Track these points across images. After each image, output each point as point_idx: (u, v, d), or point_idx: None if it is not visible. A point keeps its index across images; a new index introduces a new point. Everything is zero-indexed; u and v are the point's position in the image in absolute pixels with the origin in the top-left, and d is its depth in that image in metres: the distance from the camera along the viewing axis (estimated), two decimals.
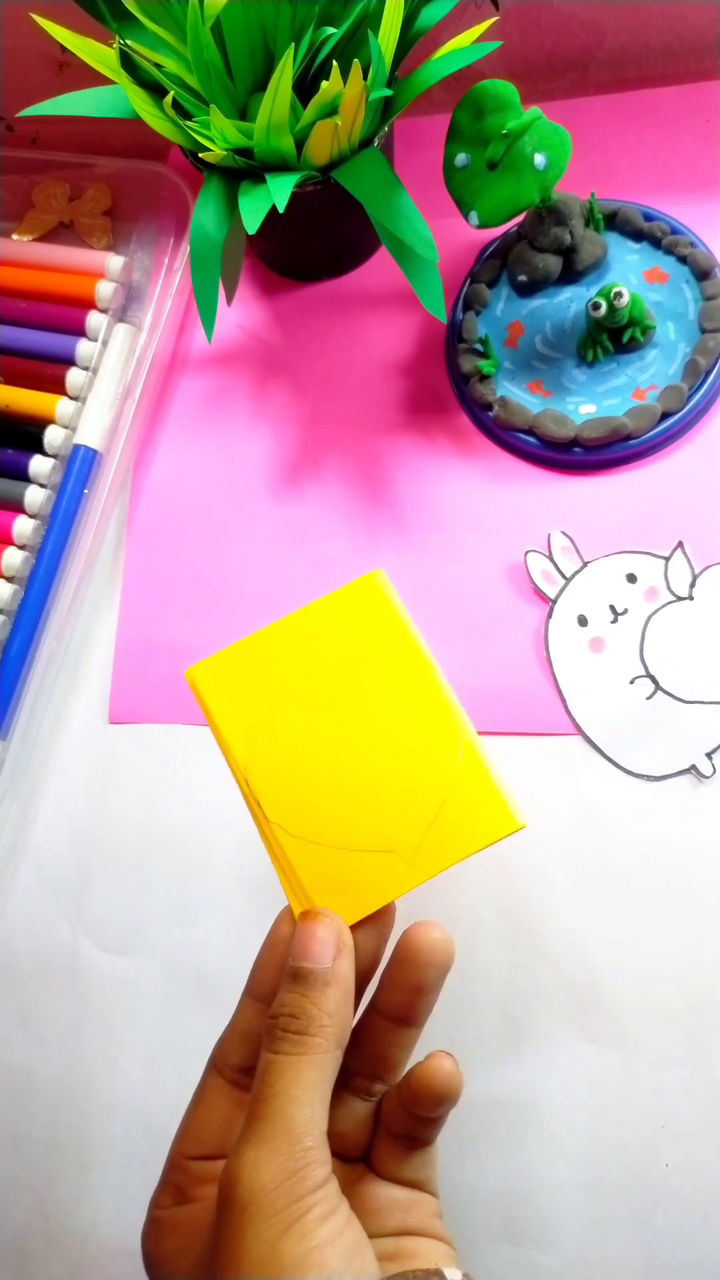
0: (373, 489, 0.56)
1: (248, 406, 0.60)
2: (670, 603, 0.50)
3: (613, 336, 0.53)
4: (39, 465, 0.59)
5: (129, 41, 0.48)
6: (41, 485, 0.59)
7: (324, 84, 0.45)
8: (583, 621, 0.51)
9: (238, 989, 0.50)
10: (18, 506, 0.59)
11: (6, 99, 0.65)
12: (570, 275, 0.54)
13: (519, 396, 0.54)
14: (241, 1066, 0.37)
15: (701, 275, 0.53)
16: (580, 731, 0.50)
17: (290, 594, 0.55)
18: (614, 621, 0.51)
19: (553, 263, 0.53)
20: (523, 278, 0.54)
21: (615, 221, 0.55)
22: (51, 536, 0.58)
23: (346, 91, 0.45)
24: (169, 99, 0.48)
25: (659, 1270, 0.43)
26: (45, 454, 0.60)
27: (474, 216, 0.49)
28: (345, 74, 0.44)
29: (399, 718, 0.38)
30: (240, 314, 0.61)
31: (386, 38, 0.46)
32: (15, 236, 0.66)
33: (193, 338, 0.62)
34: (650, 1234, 0.43)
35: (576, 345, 0.54)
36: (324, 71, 0.48)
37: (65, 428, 0.60)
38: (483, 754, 0.37)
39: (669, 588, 0.50)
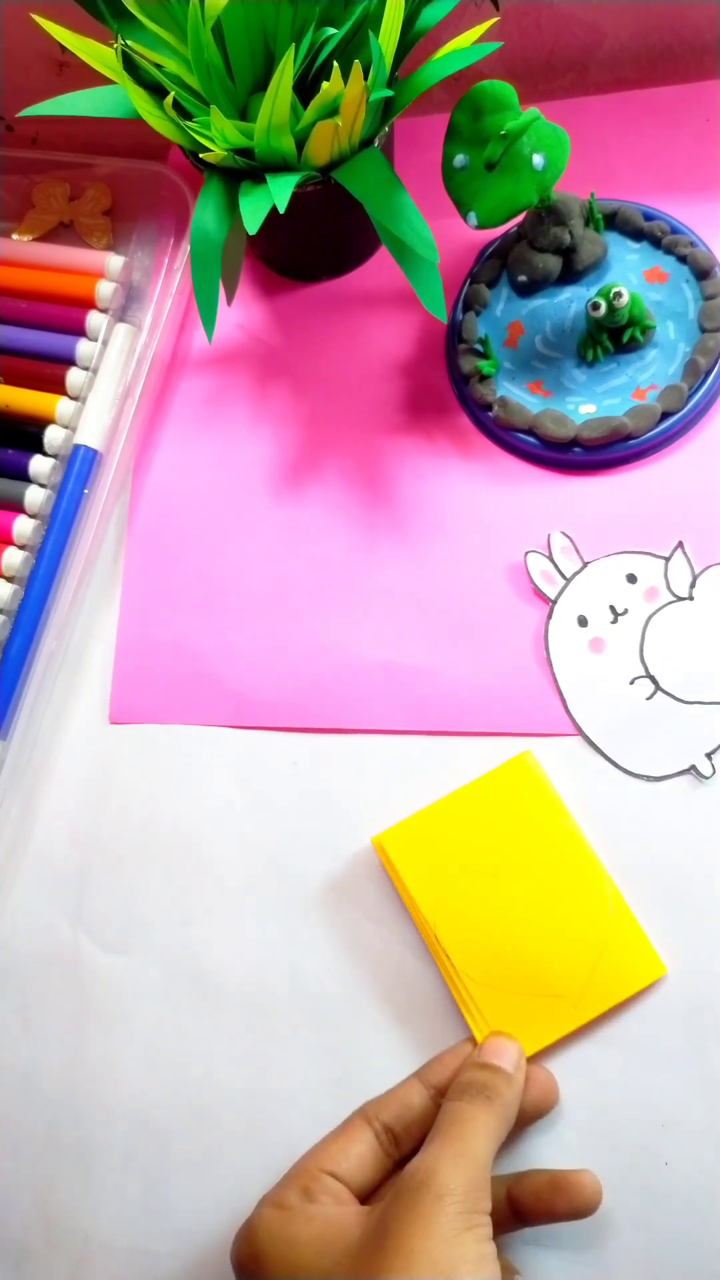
0: (373, 489, 0.56)
1: (248, 406, 0.60)
2: (670, 603, 0.50)
3: (613, 336, 0.53)
4: (39, 465, 0.59)
5: (129, 42, 0.48)
6: (41, 485, 0.59)
7: (324, 84, 0.45)
8: (583, 622, 0.51)
9: (238, 988, 0.50)
10: (18, 506, 0.59)
11: (6, 99, 0.65)
12: (570, 275, 0.55)
13: (519, 396, 0.54)
14: (387, 1126, 0.43)
15: (701, 275, 0.53)
16: (580, 732, 0.50)
17: (290, 594, 0.55)
18: (614, 622, 0.51)
19: (552, 263, 0.53)
20: (522, 278, 0.54)
21: (615, 221, 0.55)
22: (51, 536, 0.58)
23: (347, 92, 0.45)
24: (169, 99, 0.48)
25: (658, 1268, 0.43)
26: (45, 454, 0.60)
27: (473, 217, 0.49)
28: (346, 74, 0.44)
29: (558, 879, 0.46)
30: (240, 314, 0.61)
31: (387, 38, 0.46)
32: (15, 236, 0.66)
33: (193, 338, 0.62)
34: (650, 1232, 0.43)
35: (576, 345, 0.54)
36: (324, 72, 0.48)
37: (65, 428, 0.60)
38: (628, 909, 0.46)
39: (669, 588, 0.50)
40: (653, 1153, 0.44)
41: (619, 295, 0.50)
